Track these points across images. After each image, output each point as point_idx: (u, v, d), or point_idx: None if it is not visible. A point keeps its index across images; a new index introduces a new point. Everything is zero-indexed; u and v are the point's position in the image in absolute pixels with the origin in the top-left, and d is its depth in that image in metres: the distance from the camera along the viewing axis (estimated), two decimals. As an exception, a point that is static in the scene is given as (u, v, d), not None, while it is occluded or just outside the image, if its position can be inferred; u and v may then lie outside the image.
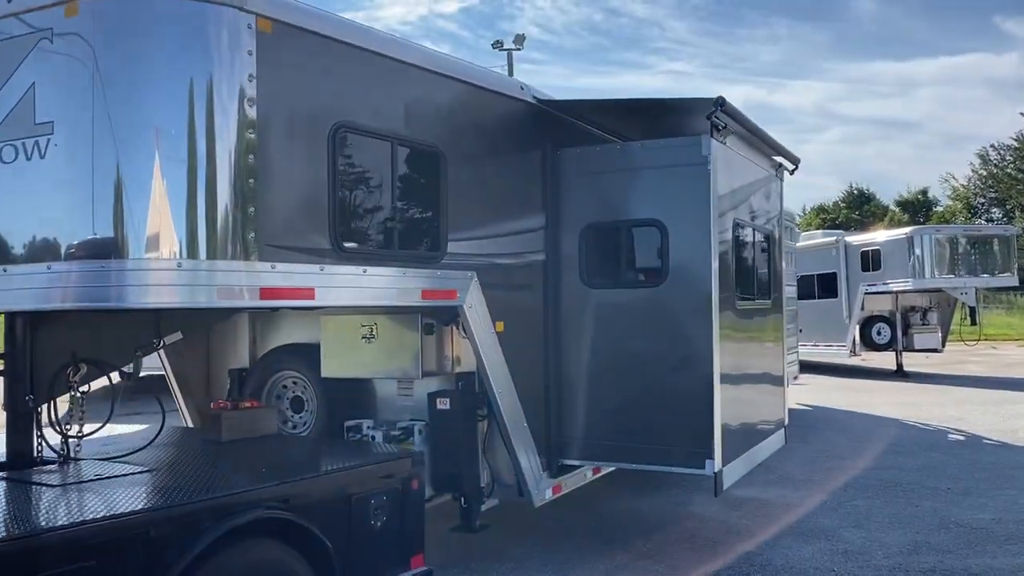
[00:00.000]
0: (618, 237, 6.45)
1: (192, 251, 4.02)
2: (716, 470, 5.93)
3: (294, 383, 6.86)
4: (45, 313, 4.38)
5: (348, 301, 4.80)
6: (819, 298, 20.48)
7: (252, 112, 4.18)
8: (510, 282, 6.07)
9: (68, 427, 4.42)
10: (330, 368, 6.47)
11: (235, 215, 4.13)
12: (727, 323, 6.34)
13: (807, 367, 21.42)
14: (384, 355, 6.27)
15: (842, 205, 58.66)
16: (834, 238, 20.70)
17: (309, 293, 4.49)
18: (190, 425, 7.05)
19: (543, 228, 6.43)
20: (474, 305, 5.63)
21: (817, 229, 34.97)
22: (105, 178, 3.98)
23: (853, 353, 20.17)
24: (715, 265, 5.98)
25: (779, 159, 7.99)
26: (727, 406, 6.14)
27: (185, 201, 4.03)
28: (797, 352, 14.73)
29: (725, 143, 6.25)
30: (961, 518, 7.54)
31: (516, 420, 6.01)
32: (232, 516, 3.66)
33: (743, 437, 6.65)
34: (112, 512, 3.33)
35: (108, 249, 3.97)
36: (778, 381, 7.86)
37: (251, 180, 4.18)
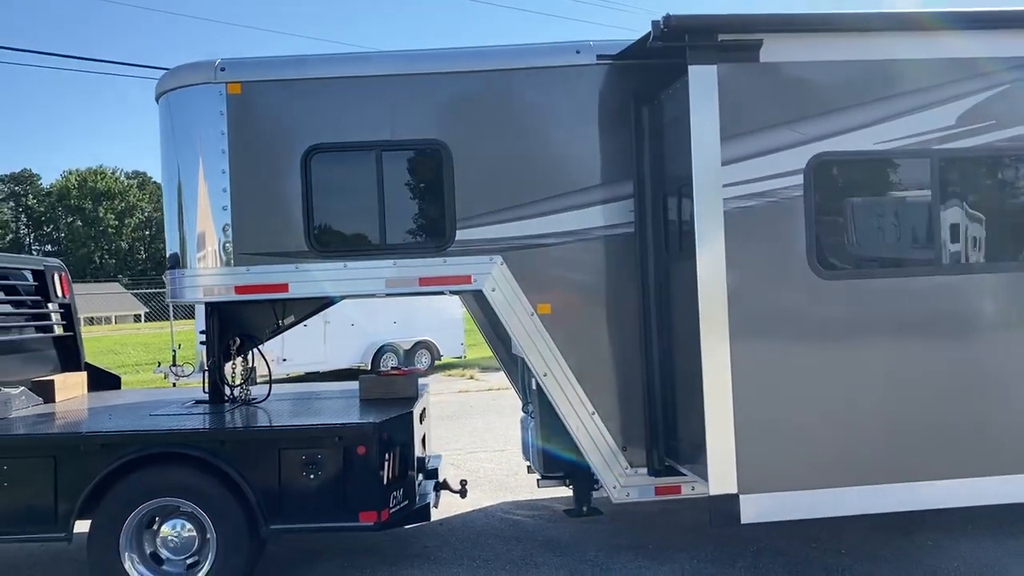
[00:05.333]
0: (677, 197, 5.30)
1: (186, 263, 5.85)
2: (716, 492, 4.55)
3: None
4: (215, 303, 6.62)
5: (327, 292, 5.77)
6: None
7: (224, 159, 5.69)
8: (565, 263, 5.72)
9: (232, 379, 6.59)
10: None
11: (212, 234, 5.73)
12: (789, 303, 4.66)
13: None
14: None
15: None
16: None
17: (282, 287, 5.71)
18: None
19: (628, 197, 5.70)
20: (499, 288, 5.68)
21: None
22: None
23: None
24: (703, 222, 4.57)
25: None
26: (759, 411, 4.57)
27: (185, 229, 5.87)
28: None
29: (756, 60, 4.58)
30: None
31: (573, 405, 5.68)
32: (147, 447, 5.37)
33: (826, 463, 4.61)
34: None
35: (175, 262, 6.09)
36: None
37: (224, 207, 5.70)
